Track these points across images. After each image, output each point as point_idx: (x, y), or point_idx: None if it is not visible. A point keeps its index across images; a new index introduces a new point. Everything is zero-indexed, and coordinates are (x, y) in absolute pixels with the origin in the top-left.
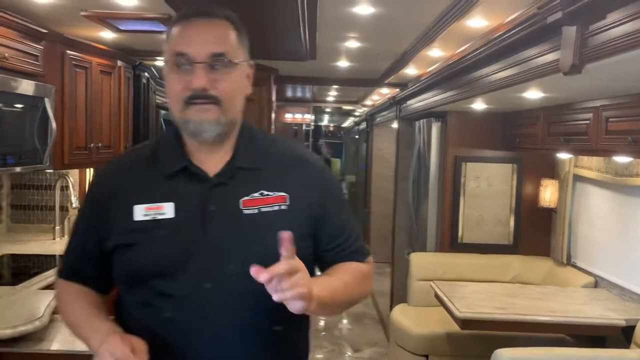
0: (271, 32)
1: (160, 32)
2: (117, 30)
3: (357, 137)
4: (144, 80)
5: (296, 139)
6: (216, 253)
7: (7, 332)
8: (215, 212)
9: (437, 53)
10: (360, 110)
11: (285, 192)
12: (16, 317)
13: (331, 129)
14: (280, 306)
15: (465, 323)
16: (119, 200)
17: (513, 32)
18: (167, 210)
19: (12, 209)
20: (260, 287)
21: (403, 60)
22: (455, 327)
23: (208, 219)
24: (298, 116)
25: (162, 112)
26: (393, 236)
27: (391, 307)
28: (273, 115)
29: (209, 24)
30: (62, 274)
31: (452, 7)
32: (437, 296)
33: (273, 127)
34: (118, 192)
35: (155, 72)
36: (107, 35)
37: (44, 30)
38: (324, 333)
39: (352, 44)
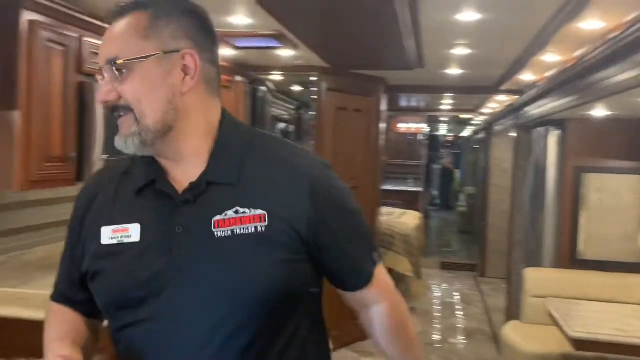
0: (376, 43)
1: (273, 47)
2: (235, 47)
3: (476, 147)
4: (261, 94)
5: (410, 149)
6: (182, 284)
7: None
8: (182, 235)
9: (552, 58)
10: (478, 119)
11: (263, 210)
12: None
13: (449, 138)
14: (256, 343)
15: (579, 344)
16: (92, 219)
17: (635, 29)
18: (133, 232)
19: None
20: (236, 322)
21: (517, 66)
22: (570, 348)
23: (175, 243)
24: (412, 126)
25: (278, 123)
26: (509, 251)
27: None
28: (383, 125)
29: (113, 26)
30: (52, 297)
31: (561, 10)
32: (550, 314)
33: (383, 137)
34: (92, 211)
35: (271, 86)
36: (227, 52)
37: None
38: (436, 346)
39: (461, 51)
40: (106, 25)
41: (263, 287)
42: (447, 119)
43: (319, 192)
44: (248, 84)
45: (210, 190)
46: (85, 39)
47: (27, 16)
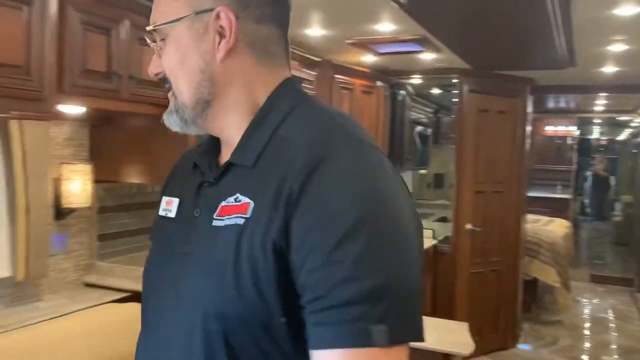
0: (525, 42)
1: (416, 52)
2: (377, 53)
3: (635, 151)
4: (400, 98)
5: (559, 153)
6: (175, 283)
7: None
8: (198, 219)
9: None
10: (638, 120)
11: (250, 198)
12: None
13: (604, 142)
14: None
15: None
16: (162, 190)
17: None
18: (173, 207)
19: None
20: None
21: None
22: None
23: (192, 227)
24: (561, 128)
25: (416, 127)
26: None
27: None
28: (529, 128)
29: None
30: None
31: None
32: None
33: (529, 140)
34: (167, 182)
35: (410, 90)
36: (368, 59)
37: (317, 59)
38: None
39: (618, 47)
40: None
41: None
42: (600, 121)
43: (310, 189)
44: (388, 88)
45: (230, 172)
46: None
47: None
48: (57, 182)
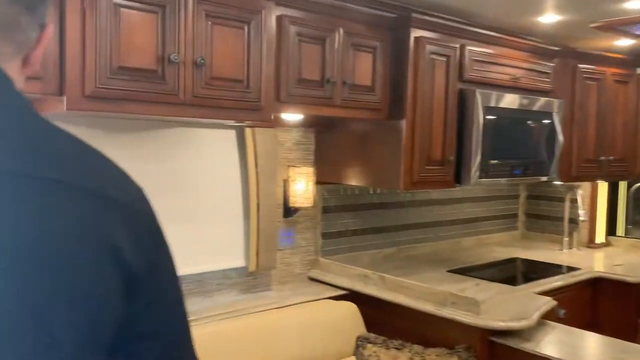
0: None
1: None
2: (634, 35)
3: None
4: None
5: None
6: None
7: (499, 324)
8: None
9: None
10: None
11: None
12: (508, 313)
13: None
14: None
15: None
16: None
17: None
18: None
19: (526, 217)
20: None
21: None
22: None
23: None
24: None
25: None
26: None
27: None
28: None
29: None
30: None
31: None
32: None
33: None
34: None
35: None
36: (623, 43)
37: (555, 48)
38: None
39: None
40: (490, 33)
41: None
42: None
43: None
44: None
45: None
46: (468, 47)
47: (414, 33)
48: (285, 183)
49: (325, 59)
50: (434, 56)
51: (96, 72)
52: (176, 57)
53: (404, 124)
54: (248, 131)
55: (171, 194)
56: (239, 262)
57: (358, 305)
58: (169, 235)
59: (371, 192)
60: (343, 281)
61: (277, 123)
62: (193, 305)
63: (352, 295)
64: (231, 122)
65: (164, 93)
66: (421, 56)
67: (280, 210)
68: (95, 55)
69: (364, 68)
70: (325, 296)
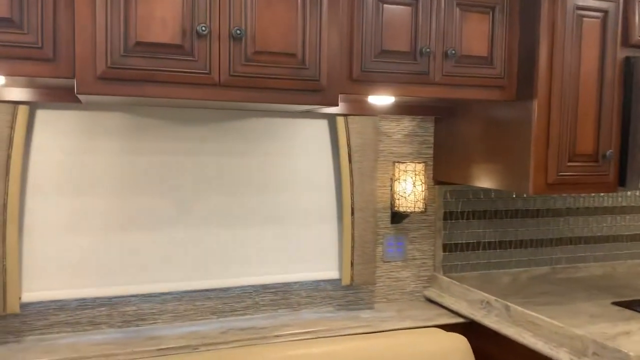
0: None
1: None
2: None
3: None
4: None
5: None
6: None
7: None
8: None
9: None
10: None
11: None
12: None
13: None
14: None
15: None
16: None
17: None
18: None
19: None
20: None
21: None
22: None
23: None
24: None
25: None
26: None
27: None
28: None
29: None
30: None
31: None
32: None
33: None
34: None
35: None
36: None
37: None
38: None
39: None
40: None
41: None
42: None
43: None
44: None
45: None
46: None
47: None
48: (392, 182)
49: (418, 23)
50: (582, 12)
51: (107, 49)
52: (204, 29)
53: (534, 105)
54: (340, 120)
55: (255, 192)
56: (332, 274)
57: (476, 340)
58: (253, 238)
59: (512, 196)
60: (461, 306)
61: (370, 110)
62: (273, 319)
63: (470, 326)
64: (303, 107)
65: (193, 72)
66: (561, 13)
67: (386, 215)
68: (106, 30)
69: (477, 33)
70: (436, 323)
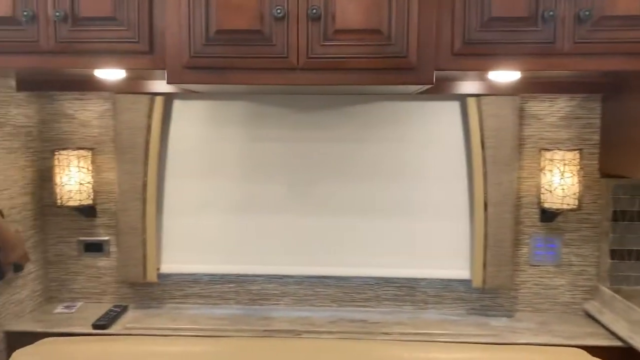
0: None
1: None
2: None
3: None
4: None
5: None
6: None
7: None
8: None
9: None
10: None
11: None
12: None
13: None
14: None
15: None
16: None
17: None
18: None
19: None
20: None
21: None
22: None
23: None
24: None
25: None
26: None
27: None
28: None
29: None
30: None
31: None
32: None
33: None
34: None
35: None
36: None
37: None
38: None
39: None
40: None
41: None
42: None
43: None
44: None
45: None
46: None
47: None
48: (541, 174)
49: None
50: None
51: (190, 39)
52: (279, 11)
53: None
54: (471, 101)
55: (379, 181)
56: (463, 273)
57: None
58: (376, 229)
59: None
60: (620, 327)
61: (509, 89)
62: (392, 314)
63: (626, 352)
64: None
65: (272, 57)
66: None
67: (534, 212)
68: (189, 20)
69: None
70: (581, 343)
